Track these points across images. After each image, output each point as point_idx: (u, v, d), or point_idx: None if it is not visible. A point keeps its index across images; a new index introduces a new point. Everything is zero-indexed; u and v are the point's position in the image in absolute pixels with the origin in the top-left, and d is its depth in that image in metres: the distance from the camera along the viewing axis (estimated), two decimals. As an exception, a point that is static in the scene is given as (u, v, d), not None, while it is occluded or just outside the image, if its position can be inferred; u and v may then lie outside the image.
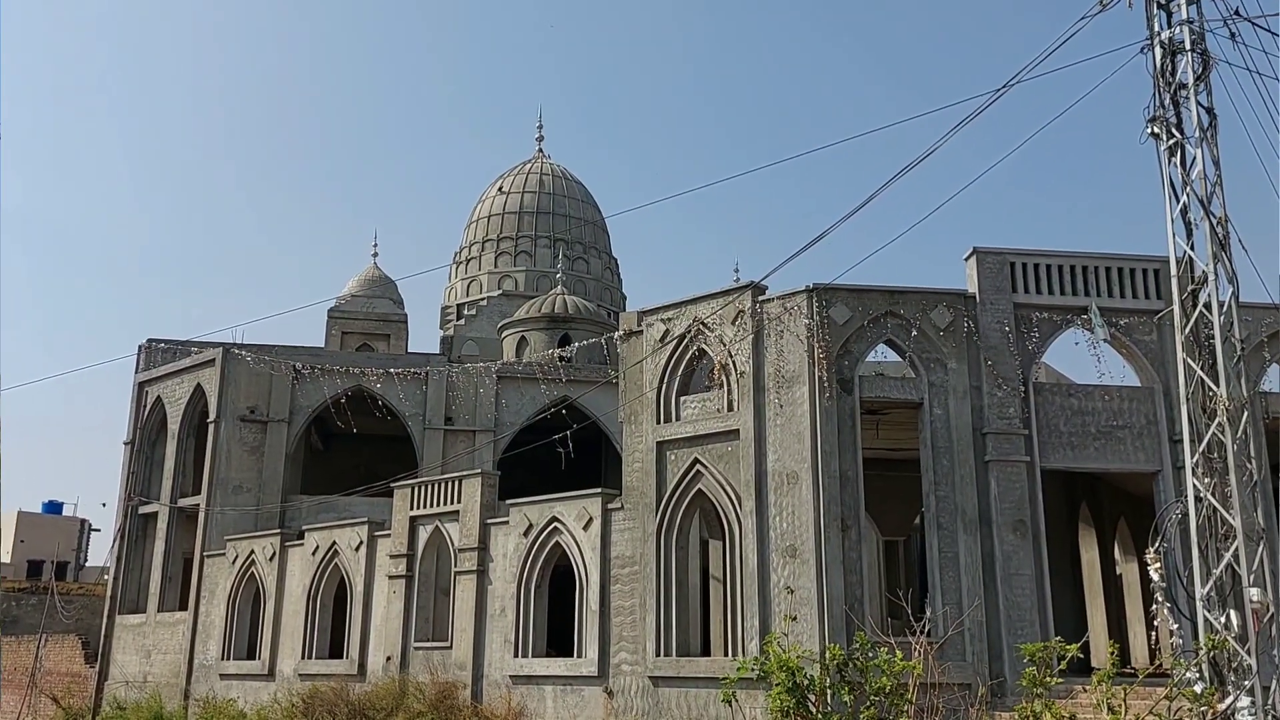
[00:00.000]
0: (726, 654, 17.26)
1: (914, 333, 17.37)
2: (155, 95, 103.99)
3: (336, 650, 23.05)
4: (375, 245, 54.21)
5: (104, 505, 27.98)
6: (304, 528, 24.82)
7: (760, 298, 17.94)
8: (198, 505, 26.91)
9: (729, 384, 17.95)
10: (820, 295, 17.35)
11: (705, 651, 18.23)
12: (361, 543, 22.82)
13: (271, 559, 24.49)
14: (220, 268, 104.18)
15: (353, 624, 22.58)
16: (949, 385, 17.19)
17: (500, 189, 38.95)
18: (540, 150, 40.55)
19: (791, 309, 17.52)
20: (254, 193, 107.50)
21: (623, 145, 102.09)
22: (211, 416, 27.20)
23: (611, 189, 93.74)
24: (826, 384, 16.94)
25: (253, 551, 25.00)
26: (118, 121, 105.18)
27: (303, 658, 23.25)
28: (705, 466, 17.92)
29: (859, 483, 16.88)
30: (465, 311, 36.34)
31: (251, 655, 24.55)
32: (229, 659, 24.86)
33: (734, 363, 17.89)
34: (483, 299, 36.46)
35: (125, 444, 29.67)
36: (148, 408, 29.45)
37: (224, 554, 25.67)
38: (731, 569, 17.43)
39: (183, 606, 26.77)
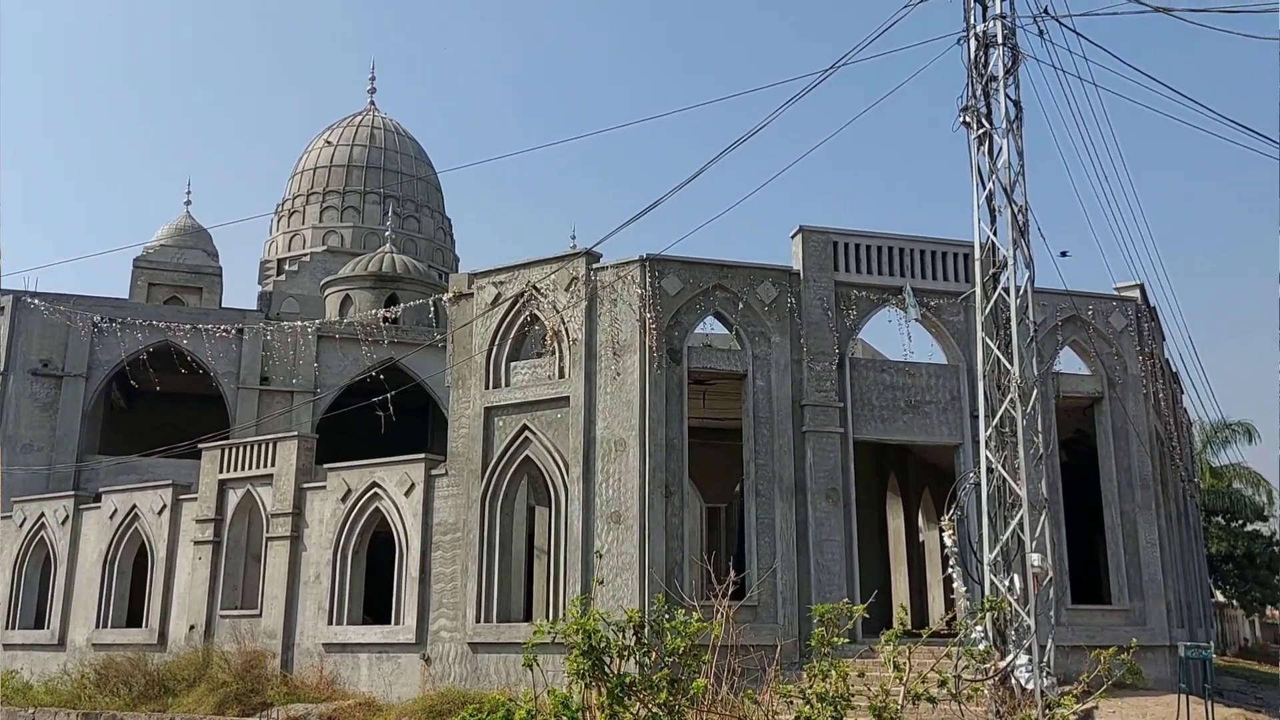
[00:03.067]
0: (548, 619, 17.33)
1: (741, 306, 17.77)
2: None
3: (135, 619, 21.92)
4: (189, 192, 51.51)
5: None
6: (101, 490, 23.48)
7: (594, 265, 17.94)
8: (-19, 464, 24.90)
9: (561, 351, 17.90)
10: (653, 266, 17.50)
11: (528, 617, 18.23)
12: (165, 506, 21.70)
13: (64, 522, 22.98)
14: (15, 210, 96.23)
15: (154, 591, 21.50)
16: (772, 358, 17.68)
17: (328, 141, 37.37)
18: (372, 103, 39.11)
19: (625, 278, 17.60)
20: (54, 128, 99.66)
21: (461, 107, 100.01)
22: (-1, 369, 25.18)
23: (449, 151, 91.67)
24: (657, 353, 17.13)
25: (43, 514, 23.41)
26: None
27: (97, 627, 22.00)
28: (534, 433, 17.85)
29: (684, 451, 17.20)
30: (286, 267, 34.77)
31: (40, 624, 23.03)
32: (14, 628, 23.25)
33: (566, 330, 17.85)
34: (306, 254, 34.94)
35: (-104, 396, 27.08)
36: (-76, 357, 26.97)
37: (10, 516, 23.92)
38: (556, 535, 17.47)
39: (-39, 573, 24.76)
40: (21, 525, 23.67)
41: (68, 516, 22.99)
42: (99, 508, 22.84)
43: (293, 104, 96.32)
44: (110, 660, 20.36)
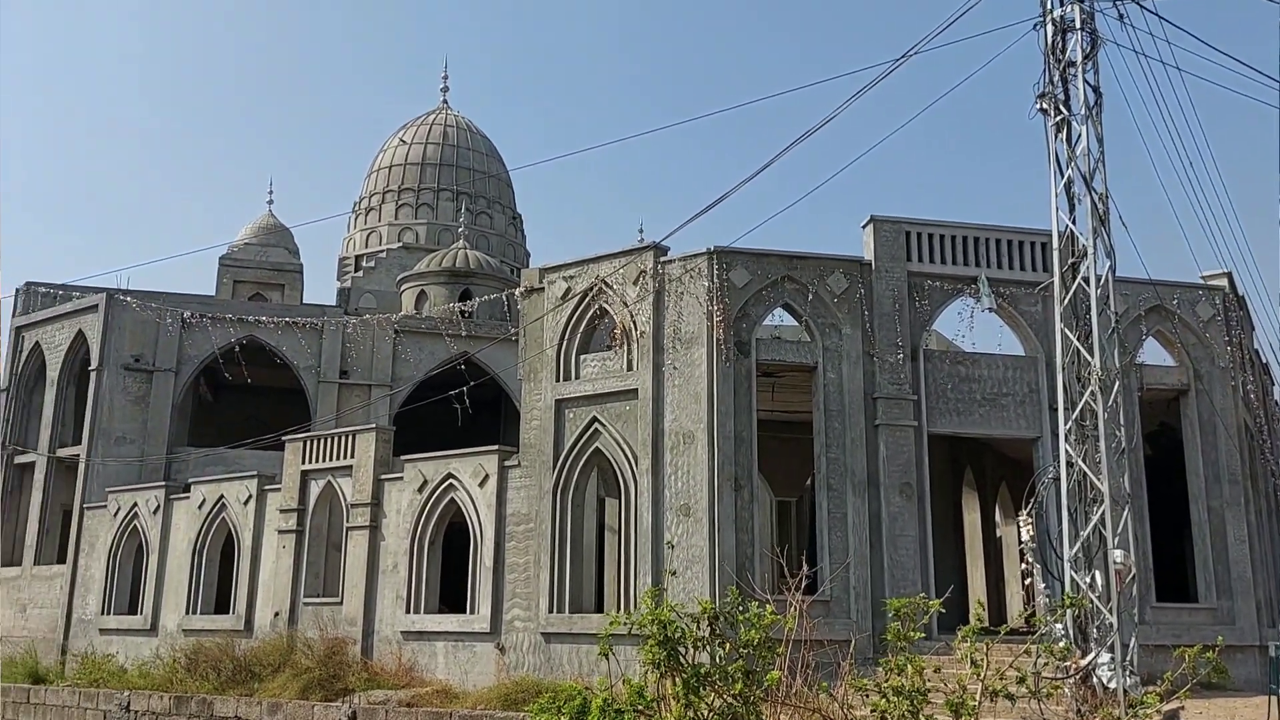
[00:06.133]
0: (619, 610, 17.46)
1: (810, 297, 17.65)
2: (42, 29, 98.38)
3: (223, 605, 22.61)
4: (271, 192, 52.99)
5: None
6: (190, 480, 24.21)
7: (662, 259, 17.99)
8: (78, 456, 25.94)
9: (629, 344, 18.01)
10: (720, 258, 17.49)
11: (599, 608, 18.41)
12: (250, 496, 22.34)
13: (155, 512, 23.80)
14: (105, 210, 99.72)
15: (240, 579, 22.15)
16: (843, 350, 17.55)
17: (402, 140, 38.03)
18: (445, 102, 39.69)
19: (692, 271, 17.63)
20: (144, 132, 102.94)
21: (531, 103, 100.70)
22: (94, 364, 26.18)
23: (519, 146, 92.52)
24: (724, 346, 17.12)
25: (136, 504, 24.26)
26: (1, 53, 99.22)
27: (187, 613, 22.75)
28: (603, 425, 17.98)
29: (753, 444, 17.16)
30: (364, 263, 35.54)
31: (133, 610, 23.91)
32: (109, 614, 24.16)
33: (634, 323, 17.94)
34: (382, 251, 35.67)
35: (0, 391, 28.36)
36: (25, 354, 28.20)
37: (105, 506, 24.83)
38: (626, 527, 17.58)
39: (61, 560, 25.85)
40: (116, 515, 24.58)
41: (159, 506, 23.80)
42: (188, 498, 23.51)
43: (368, 103, 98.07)
44: (200, 645, 20.99)
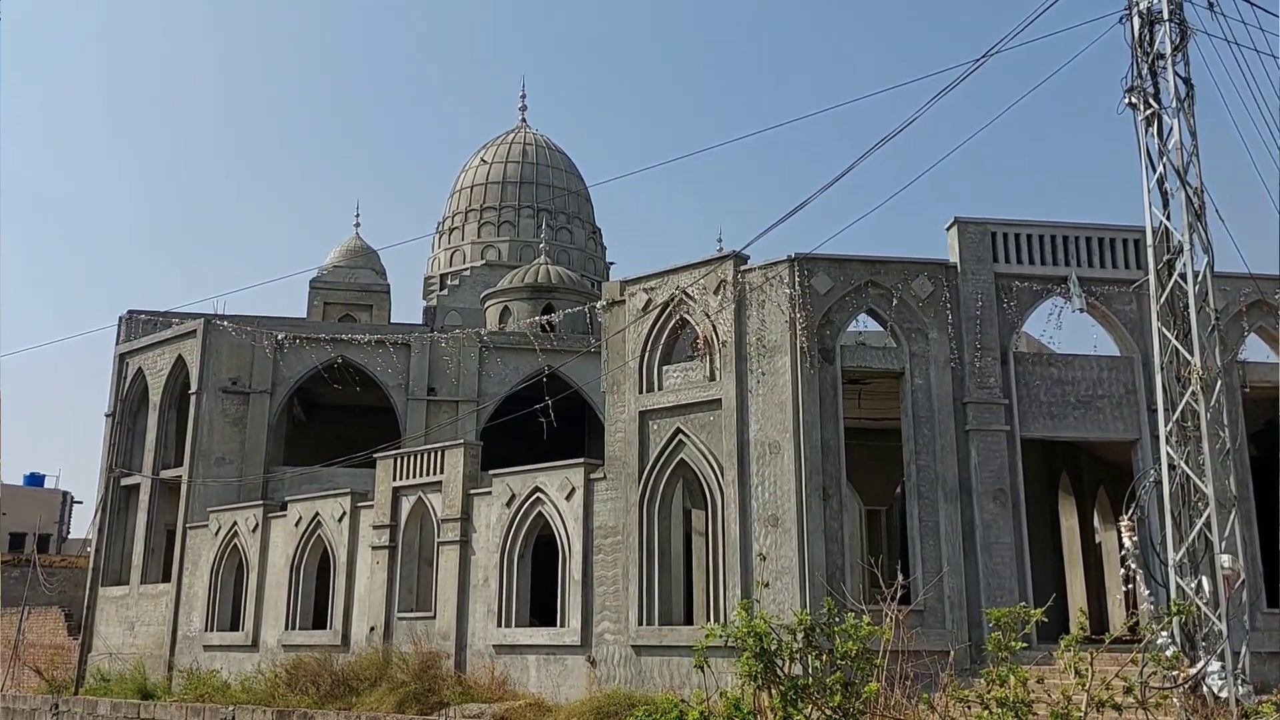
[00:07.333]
0: (709, 622, 17.38)
1: (895, 302, 17.40)
2: (136, 63, 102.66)
3: (320, 621, 23.07)
4: (357, 215, 54.12)
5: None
6: (286, 499, 24.76)
7: (742, 267, 17.92)
8: (180, 477, 26.81)
9: (711, 354, 17.96)
10: (802, 265, 17.35)
11: (688, 620, 18.34)
12: (344, 513, 22.80)
13: (254, 530, 24.47)
14: (201, 238, 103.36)
15: (336, 594, 22.60)
16: (930, 355, 17.25)
17: (483, 159, 38.73)
18: (523, 120, 40.32)
19: (773, 278, 17.52)
20: (235, 162, 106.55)
21: (607, 115, 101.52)
22: (193, 388, 27.03)
23: (596, 159, 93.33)
24: (808, 353, 16.97)
25: (235, 523, 24.96)
26: (98, 89, 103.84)
27: (286, 628, 23.27)
28: (687, 436, 17.95)
29: (840, 452, 16.95)
30: (448, 282, 36.23)
31: (235, 626, 24.57)
32: (212, 630, 24.86)
33: (716, 332, 17.89)
34: (466, 269, 36.31)
35: (106, 416, 29.51)
36: (129, 379, 29.28)
37: (206, 525, 25.60)
38: (714, 538, 17.51)
39: (165, 578, 26.73)
40: (217, 534, 25.33)
41: (257, 525, 24.45)
42: (285, 516, 24.04)
43: (450, 125, 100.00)
44: (299, 660, 21.39)
